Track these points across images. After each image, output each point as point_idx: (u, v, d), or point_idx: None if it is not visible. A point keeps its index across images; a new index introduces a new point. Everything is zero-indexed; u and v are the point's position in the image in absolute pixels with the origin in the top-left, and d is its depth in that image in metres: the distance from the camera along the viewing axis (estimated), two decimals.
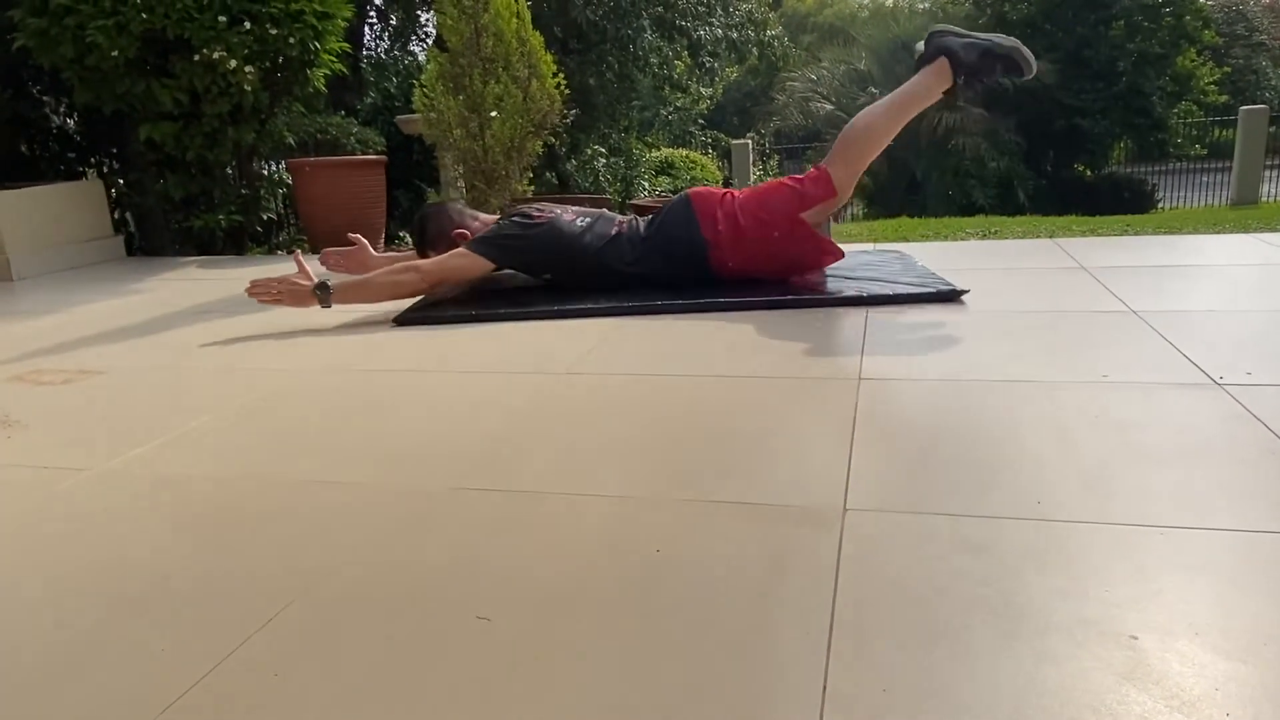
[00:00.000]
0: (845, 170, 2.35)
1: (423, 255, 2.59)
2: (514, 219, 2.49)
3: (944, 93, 2.36)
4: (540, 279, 2.58)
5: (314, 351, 2.11)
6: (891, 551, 1.00)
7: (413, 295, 2.46)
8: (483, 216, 2.67)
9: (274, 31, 3.80)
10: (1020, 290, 2.34)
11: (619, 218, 2.54)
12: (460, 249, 2.45)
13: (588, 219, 2.49)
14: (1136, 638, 0.82)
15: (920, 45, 2.38)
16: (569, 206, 2.58)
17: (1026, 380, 1.58)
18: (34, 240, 3.79)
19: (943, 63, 2.31)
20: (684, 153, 13.60)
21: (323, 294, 2.32)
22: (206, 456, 1.46)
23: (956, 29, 2.34)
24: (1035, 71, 2.29)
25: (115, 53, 3.64)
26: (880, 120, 2.38)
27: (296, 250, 2.50)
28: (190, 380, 1.95)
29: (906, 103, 2.38)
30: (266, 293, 2.34)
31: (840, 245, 2.46)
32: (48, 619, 0.98)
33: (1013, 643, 0.82)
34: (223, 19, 3.66)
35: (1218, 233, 3.50)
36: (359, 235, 2.72)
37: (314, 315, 2.42)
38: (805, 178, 2.38)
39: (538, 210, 2.51)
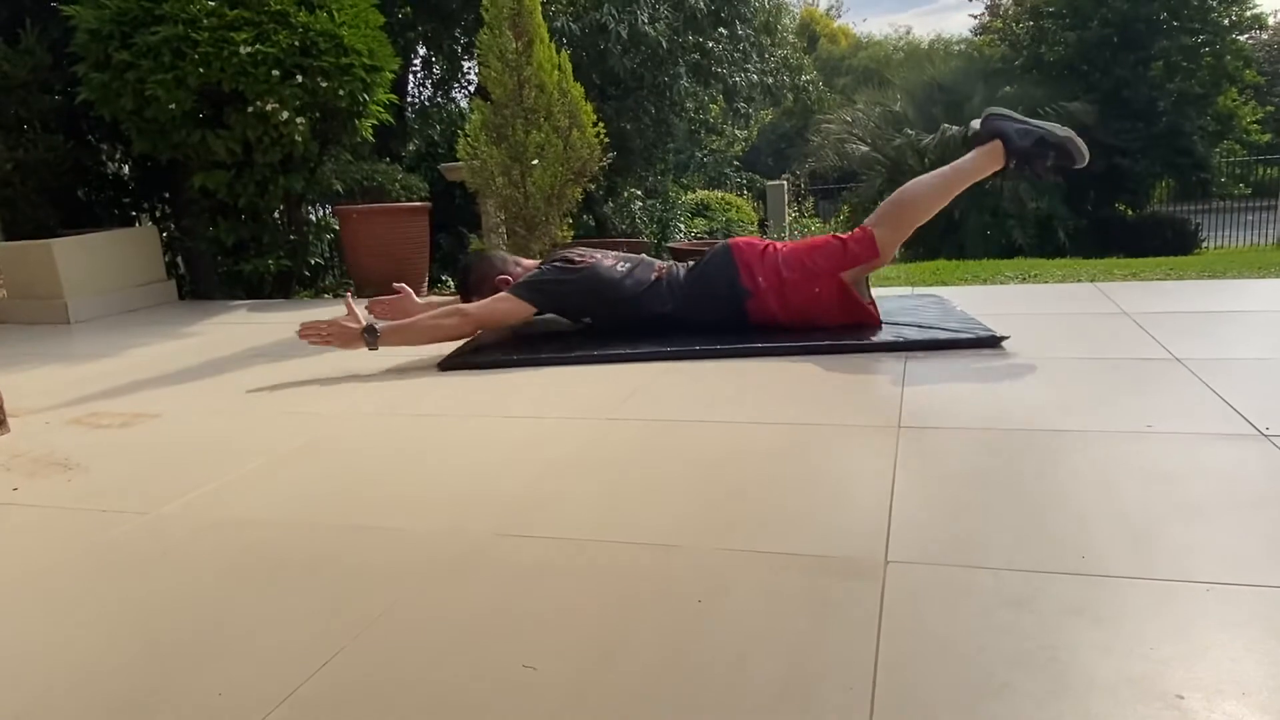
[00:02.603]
0: (890, 234, 2.41)
1: (466, 301, 2.66)
2: (554, 264, 2.55)
3: (994, 174, 2.43)
4: (580, 323, 2.63)
5: (361, 396, 2.16)
6: (934, 605, 1.01)
7: (456, 339, 2.53)
8: (525, 262, 2.74)
9: (325, 84, 3.94)
10: (1061, 336, 2.33)
11: (659, 263, 2.59)
12: (503, 294, 2.52)
13: (628, 264, 2.54)
14: (1183, 697, 0.82)
15: (975, 124, 2.45)
16: (609, 251, 2.64)
17: (1069, 430, 1.58)
18: (91, 284, 3.93)
19: (996, 145, 2.37)
20: (719, 194, 13.70)
21: (370, 336, 2.40)
22: (258, 501, 1.50)
23: (1013, 114, 2.40)
24: (1087, 161, 2.35)
25: (173, 105, 3.80)
26: (930, 192, 2.45)
27: (348, 294, 2.58)
28: (242, 424, 2.01)
29: (957, 179, 2.45)
30: (317, 335, 2.42)
31: (878, 289, 2.50)
32: (108, 662, 1.02)
33: (1057, 701, 0.82)
34: (276, 73, 3.80)
35: (1262, 276, 3.46)
36: (404, 285, 2.80)
37: (360, 361, 2.48)
38: (849, 236, 2.42)
39: (579, 255, 2.56)
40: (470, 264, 2.75)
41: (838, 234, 2.48)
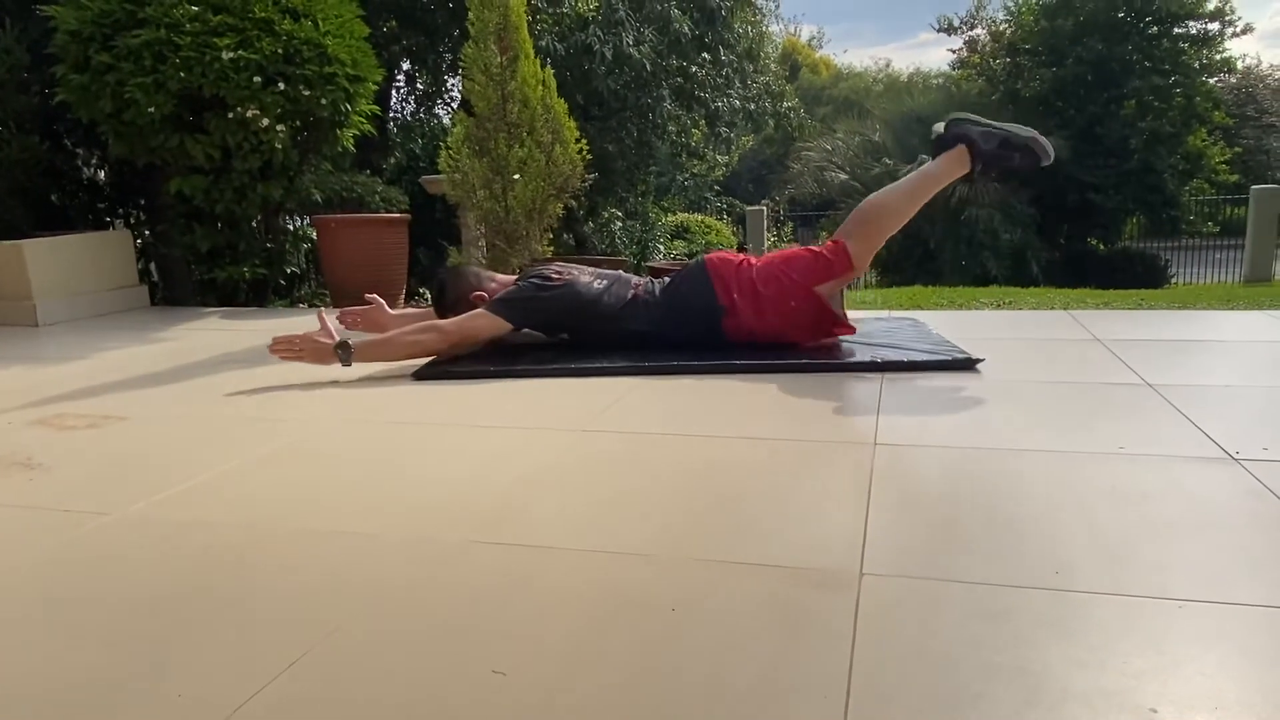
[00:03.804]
0: (862, 245, 2.41)
1: (441, 317, 2.63)
2: (531, 280, 2.54)
3: (962, 177, 2.43)
4: (557, 338, 2.62)
5: (335, 403, 2.14)
6: (908, 617, 1.00)
7: (432, 355, 2.50)
8: (500, 278, 2.71)
9: (307, 93, 3.92)
10: (1035, 360, 2.35)
11: (635, 280, 2.58)
12: (479, 310, 2.50)
13: (605, 281, 2.53)
14: (1156, 711, 0.81)
15: (939, 127, 2.45)
16: (585, 268, 2.62)
17: (1042, 450, 1.59)
18: (61, 287, 3.87)
19: (961, 150, 2.38)
20: (699, 218, 13.79)
21: (344, 353, 2.36)
22: (226, 504, 1.48)
23: (976, 117, 2.41)
24: (1052, 159, 2.35)
25: (152, 109, 3.76)
26: (898, 200, 2.46)
27: (321, 309, 2.54)
28: (212, 428, 1.97)
29: (924, 185, 2.45)
30: (289, 349, 2.38)
31: (854, 311, 2.50)
32: (67, 662, 0.99)
33: (1031, 712, 0.82)
34: (258, 80, 3.78)
35: (1231, 309, 3.52)
36: (375, 295, 2.77)
37: (334, 369, 2.45)
38: (823, 249, 2.42)
39: (555, 272, 2.55)
40: (445, 280, 2.71)
41: (811, 247, 2.49)
